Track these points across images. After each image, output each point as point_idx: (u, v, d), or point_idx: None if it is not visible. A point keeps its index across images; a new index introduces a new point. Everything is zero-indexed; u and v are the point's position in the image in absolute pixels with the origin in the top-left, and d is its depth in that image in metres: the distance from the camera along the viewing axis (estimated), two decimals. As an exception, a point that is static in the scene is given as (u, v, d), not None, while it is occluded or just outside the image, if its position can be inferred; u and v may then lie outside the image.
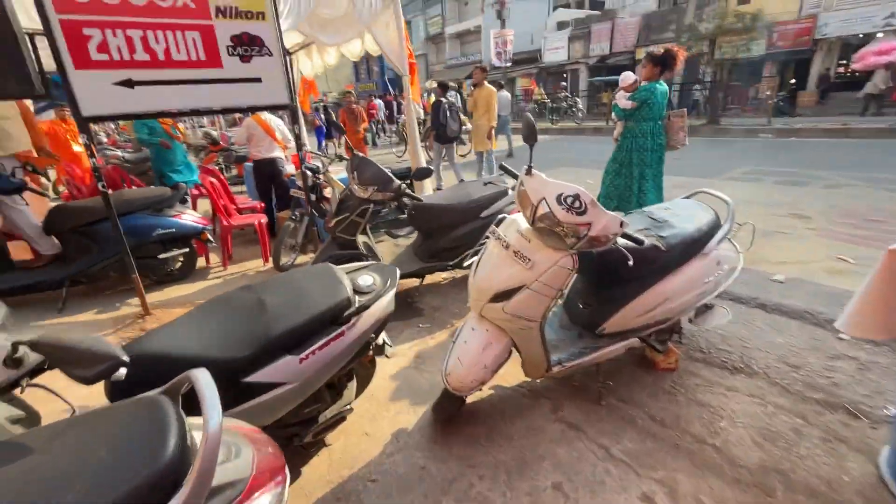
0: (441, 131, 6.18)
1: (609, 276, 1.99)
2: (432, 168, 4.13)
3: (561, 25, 24.14)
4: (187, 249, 3.71)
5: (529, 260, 1.67)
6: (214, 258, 4.32)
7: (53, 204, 3.52)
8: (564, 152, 10.59)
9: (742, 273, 2.30)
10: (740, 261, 2.28)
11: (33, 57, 2.43)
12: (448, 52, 30.99)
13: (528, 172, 1.71)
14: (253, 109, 3.43)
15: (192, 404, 0.87)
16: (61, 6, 2.41)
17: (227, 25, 2.89)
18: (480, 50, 26.94)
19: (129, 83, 2.67)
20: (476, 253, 3.16)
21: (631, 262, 1.69)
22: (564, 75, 24.30)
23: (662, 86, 3.54)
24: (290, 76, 3.22)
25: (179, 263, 3.76)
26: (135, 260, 3.48)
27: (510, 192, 3.22)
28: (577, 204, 1.58)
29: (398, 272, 1.84)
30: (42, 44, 2.51)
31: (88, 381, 0.87)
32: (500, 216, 1.99)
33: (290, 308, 1.50)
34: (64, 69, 2.48)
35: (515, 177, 1.97)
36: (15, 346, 0.93)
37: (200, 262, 4.15)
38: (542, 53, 24.58)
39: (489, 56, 19.29)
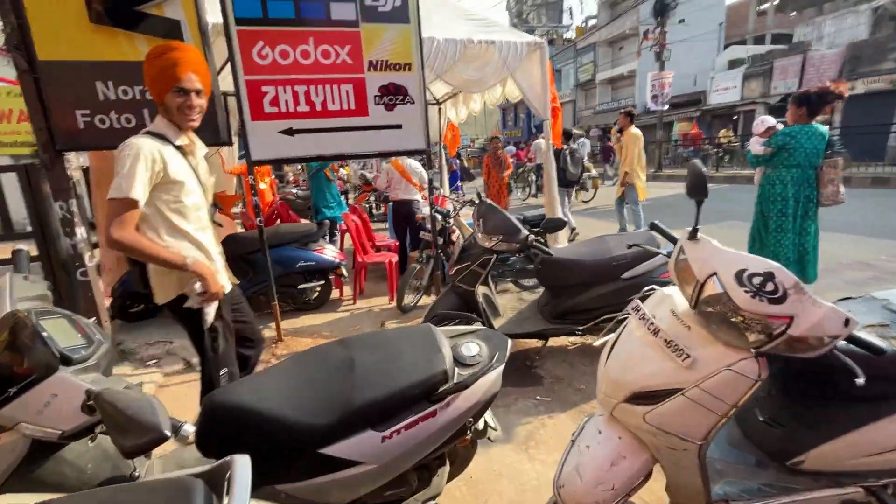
0: (560, 176, 6.00)
1: (818, 389, 1.38)
2: (565, 220, 3.78)
3: (733, 64, 21.67)
4: (323, 282, 3.96)
5: (688, 356, 1.22)
6: (348, 291, 4.57)
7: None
8: (732, 204, 9.04)
9: None
10: None
11: (225, 112, 2.88)
12: (598, 97, 30.29)
13: (693, 236, 1.28)
14: (393, 154, 3.57)
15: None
16: (248, 69, 2.83)
17: (376, 77, 3.08)
18: (634, 94, 25.67)
19: (290, 131, 2.98)
20: (613, 322, 2.67)
21: (862, 381, 1.11)
22: (735, 117, 21.48)
23: (814, 128, 3.12)
24: (428, 123, 3.27)
25: (316, 294, 4.03)
26: (279, 288, 3.85)
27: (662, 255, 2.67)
28: (769, 287, 1.10)
29: (509, 343, 1.54)
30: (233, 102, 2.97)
31: (126, 453, 0.78)
32: (646, 289, 1.56)
33: (378, 375, 1.32)
34: (243, 121, 2.88)
35: (673, 240, 1.53)
36: (89, 393, 0.89)
37: (335, 293, 4.43)
38: (708, 95, 22.25)
39: (644, 99, 18.16)
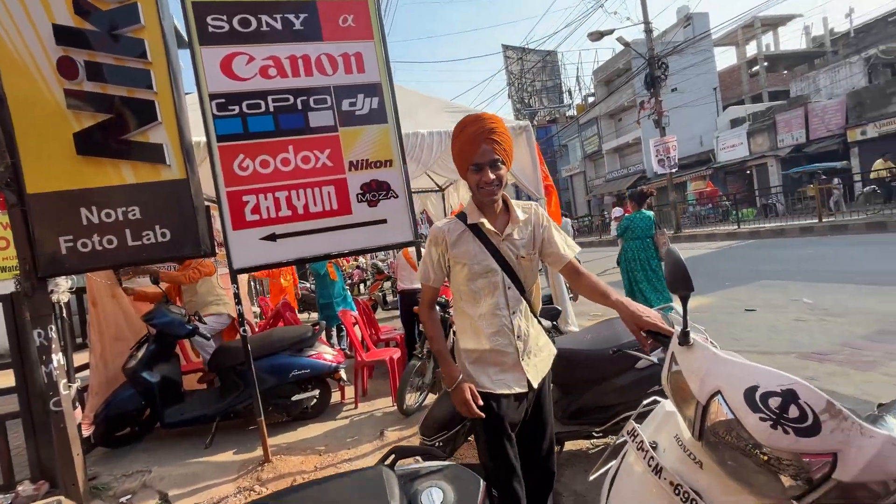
0: None
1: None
2: (559, 309, 3.48)
3: (735, 122, 22.13)
4: (318, 391, 3.70)
5: (704, 508, 0.90)
6: (350, 393, 4.25)
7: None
8: (762, 262, 8.54)
9: None
10: None
11: (205, 224, 2.88)
12: (607, 166, 31.03)
13: (685, 341, 1.02)
14: (379, 249, 3.48)
15: None
16: (229, 181, 2.87)
17: (358, 176, 3.08)
18: (641, 160, 26.19)
19: (272, 237, 2.94)
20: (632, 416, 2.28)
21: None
22: (748, 171, 21.40)
23: (644, 214, 4.76)
24: (414, 214, 3.20)
25: (314, 402, 3.74)
26: (272, 399, 3.59)
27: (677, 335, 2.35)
28: (793, 411, 0.82)
29: (482, 486, 1.23)
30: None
31: None
32: (646, 402, 1.26)
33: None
34: (225, 231, 2.86)
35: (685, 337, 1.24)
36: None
37: (336, 396, 4.12)
38: (716, 153, 22.48)
39: (651, 164, 18.40)
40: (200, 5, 2.82)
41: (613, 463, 1.21)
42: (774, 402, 0.84)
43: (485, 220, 1.50)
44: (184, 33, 2.98)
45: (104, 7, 2.64)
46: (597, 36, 15.20)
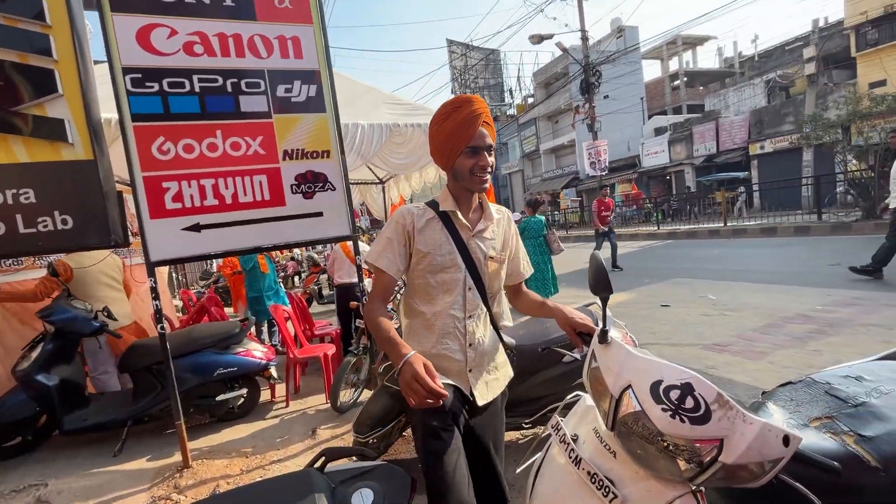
0: None
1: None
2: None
3: (658, 131, 23.92)
4: (246, 390, 3.52)
5: (615, 495, 0.98)
6: (281, 391, 4.10)
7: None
8: (676, 261, 9.37)
9: None
10: None
11: (116, 212, 2.62)
12: (544, 165, 32.28)
13: (604, 339, 1.10)
14: (315, 243, 3.37)
15: None
16: (146, 165, 2.62)
17: (293, 166, 2.95)
18: (575, 161, 27.53)
19: (196, 227, 2.74)
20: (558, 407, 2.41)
21: (818, 508, 0.91)
22: (667, 177, 23.31)
23: (536, 218, 5.99)
24: (352, 207, 3.13)
25: (241, 402, 3.56)
26: (195, 399, 3.37)
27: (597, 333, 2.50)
28: (689, 402, 0.91)
29: (412, 485, 1.25)
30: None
31: None
32: (570, 396, 1.35)
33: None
34: (140, 219, 2.62)
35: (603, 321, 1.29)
36: None
37: (266, 394, 3.95)
38: (641, 159, 24.19)
39: (584, 166, 19.41)
40: (113, -33, 2.53)
41: (539, 455, 1.28)
42: (674, 395, 0.93)
43: (458, 211, 1.38)
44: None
45: (-9, -43, 2.29)
46: (537, 39, 15.70)
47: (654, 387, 0.95)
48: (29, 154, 2.40)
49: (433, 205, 1.42)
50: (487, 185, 1.39)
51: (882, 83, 14.71)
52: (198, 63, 2.74)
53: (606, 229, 8.77)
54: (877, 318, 4.22)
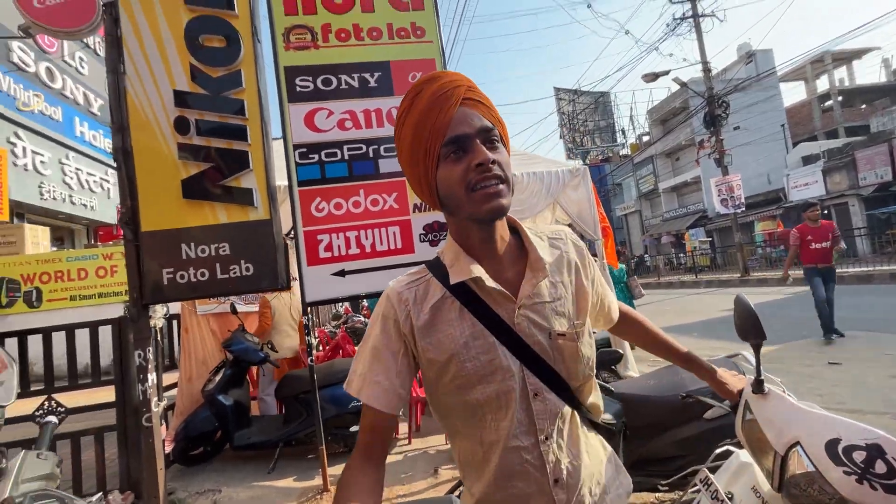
0: None
1: None
2: (621, 352, 3.33)
3: (808, 160, 20.84)
4: (375, 422, 3.78)
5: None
6: (403, 428, 4.31)
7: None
8: (843, 310, 7.79)
9: None
10: None
11: (283, 261, 3.16)
12: (664, 205, 30.00)
13: (759, 389, 1.03)
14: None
15: None
16: (307, 222, 3.16)
17: (421, 218, 3.28)
18: (702, 198, 25.12)
19: (342, 273, 3.16)
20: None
21: None
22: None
23: (621, 268, 6.52)
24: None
25: (370, 434, 3.82)
26: (333, 430, 3.73)
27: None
28: (879, 467, 0.81)
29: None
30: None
31: None
32: (719, 448, 1.25)
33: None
34: (300, 266, 3.12)
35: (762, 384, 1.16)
36: None
37: (391, 431, 4.19)
38: (787, 192, 21.15)
39: (712, 203, 17.62)
40: (292, 69, 3.23)
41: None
42: (859, 456, 0.83)
43: (482, 274, 0.80)
44: (275, 93, 3.40)
45: (214, 74, 3.09)
46: (651, 77, 15.19)
47: (831, 445, 0.86)
48: (228, 216, 3.06)
49: (437, 269, 0.86)
50: (504, 200, 0.75)
51: None
52: (347, 135, 3.28)
53: (821, 268, 5.82)
54: None
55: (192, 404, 3.90)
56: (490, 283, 0.79)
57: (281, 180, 3.44)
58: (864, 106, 26.53)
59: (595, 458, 0.88)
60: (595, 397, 0.91)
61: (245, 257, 3.07)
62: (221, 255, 3.03)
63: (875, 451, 0.82)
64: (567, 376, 0.83)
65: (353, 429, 3.67)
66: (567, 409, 0.84)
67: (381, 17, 3.33)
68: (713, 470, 1.26)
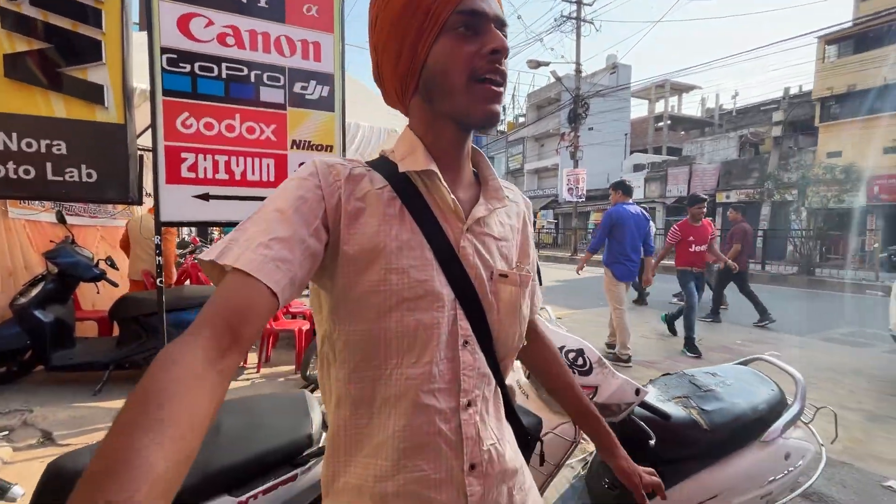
0: None
1: (633, 455, 1.62)
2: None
3: (637, 167, 25.12)
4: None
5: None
6: (253, 358, 4.39)
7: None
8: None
9: (841, 472, 1.76)
10: (823, 457, 1.77)
11: (135, 173, 2.92)
12: (526, 184, 33.23)
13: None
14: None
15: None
16: (170, 135, 2.94)
17: (298, 154, 3.31)
18: (556, 185, 28.54)
19: (205, 196, 3.06)
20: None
21: (653, 442, 1.36)
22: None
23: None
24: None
25: (217, 360, 3.84)
26: (175, 352, 3.65)
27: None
28: (580, 361, 1.36)
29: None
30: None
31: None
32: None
33: (241, 439, 1.36)
34: (157, 182, 2.93)
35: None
36: None
37: (239, 361, 4.23)
38: (617, 191, 25.26)
39: (563, 191, 20.23)
40: (167, -41, 2.86)
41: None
42: (571, 355, 1.38)
43: (438, 172, 0.64)
44: (141, -20, 2.98)
45: (60, -67, 2.59)
46: (534, 64, 16.45)
47: (559, 351, 1.40)
48: (67, 111, 2.69)
49: (382, 165, 0.67)
50: (500, 109, 0.65)
51: (838, 154, 16.12)
52: (227, 53, 3.07)
53: (696, 272, 5.27)
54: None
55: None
56: (443, 187, 0.63)
57: (140, 83, 3.10)
58: (682, 132, 32.84)
59: (517, 454, 0.71)
60: (511, 380, 0.80)
61: (87, 162, 2.78)
62: (55, 154, 2.69)
63: (579, 352, 1.37)
64: (496, 335, 0.65)
65: (200, 354, 3.66)
66: (491, 376, 0.66)
67: (280, -68, 3.13)
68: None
